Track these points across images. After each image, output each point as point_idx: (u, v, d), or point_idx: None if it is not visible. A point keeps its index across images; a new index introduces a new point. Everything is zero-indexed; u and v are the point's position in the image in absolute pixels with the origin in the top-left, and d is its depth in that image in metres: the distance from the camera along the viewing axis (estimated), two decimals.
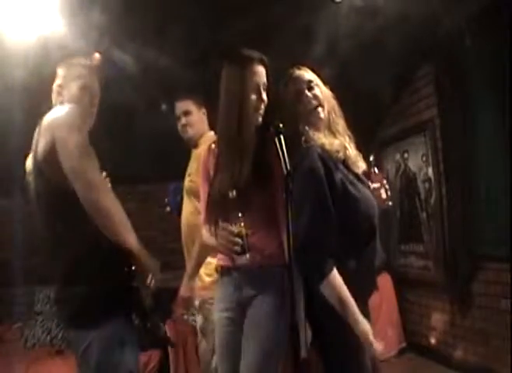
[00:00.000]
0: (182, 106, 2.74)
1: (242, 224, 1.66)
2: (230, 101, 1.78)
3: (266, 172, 1.72)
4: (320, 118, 1.84)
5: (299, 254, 1.54)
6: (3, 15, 2.49)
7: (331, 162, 1.74)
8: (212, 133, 2.73)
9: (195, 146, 2.74)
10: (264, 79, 1.80)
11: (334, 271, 1.64)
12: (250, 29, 2.79)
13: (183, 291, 2.49)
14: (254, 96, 1.76)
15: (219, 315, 1.84)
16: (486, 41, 3.12)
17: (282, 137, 1.56)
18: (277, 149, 1.55)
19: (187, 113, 2.72)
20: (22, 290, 3.71)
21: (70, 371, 2.67)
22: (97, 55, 2.92)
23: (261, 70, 1.80)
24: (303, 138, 1.78)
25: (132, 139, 3.58)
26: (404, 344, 4.28)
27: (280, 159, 1.53)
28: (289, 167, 1.50)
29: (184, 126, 2.72)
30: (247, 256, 1.65)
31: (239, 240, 1.63)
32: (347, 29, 2.95)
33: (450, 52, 3.46)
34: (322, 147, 1.76)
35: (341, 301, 1.64)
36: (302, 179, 1.68)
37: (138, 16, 2.74)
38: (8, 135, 2.84)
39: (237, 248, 1.64)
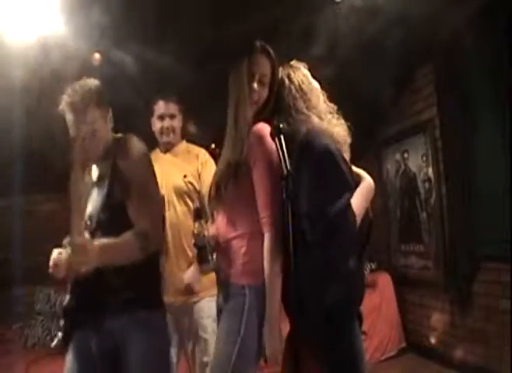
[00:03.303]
0: (170, 107, 2.66)
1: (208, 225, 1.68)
2: (231, 90, 1.75)
3: (243, 171, 1.66)
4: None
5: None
6: (3, 15, 2.49)
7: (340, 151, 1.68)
8: (184, 142, 2.74)
9: (166, 151, 2.69)
10: (266, 71, 1.74)
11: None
12: (250, 29, 2.79)
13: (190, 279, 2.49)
14: (247, 87, 1.70)
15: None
16: (486, 41, 3.12)
17: (282, 137, 1.54)
18: (277, 149, 1.54)
19: (172, 116, 2.66)
20: (22, 290, 3.70)
21: None
22: (97, 55, 2.92)
23: (262, 60, 1.74)
24: (310, 125, 1.70)
25: None
26: (404, 344, 4.27)
27: (280, 159, 1.52)
28: (289, 167, 1.49)
29: (168, 129, 2.65)
30: (211, 262, 1.69)
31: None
32: (347, 29, 2.94)
33: (450, 52, 3.46)
34: (331, 135, 1.69)
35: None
36: (317, 158, 1.60)
37: (138, 16, 2.73)
38: (8, 135, 2.83)
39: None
